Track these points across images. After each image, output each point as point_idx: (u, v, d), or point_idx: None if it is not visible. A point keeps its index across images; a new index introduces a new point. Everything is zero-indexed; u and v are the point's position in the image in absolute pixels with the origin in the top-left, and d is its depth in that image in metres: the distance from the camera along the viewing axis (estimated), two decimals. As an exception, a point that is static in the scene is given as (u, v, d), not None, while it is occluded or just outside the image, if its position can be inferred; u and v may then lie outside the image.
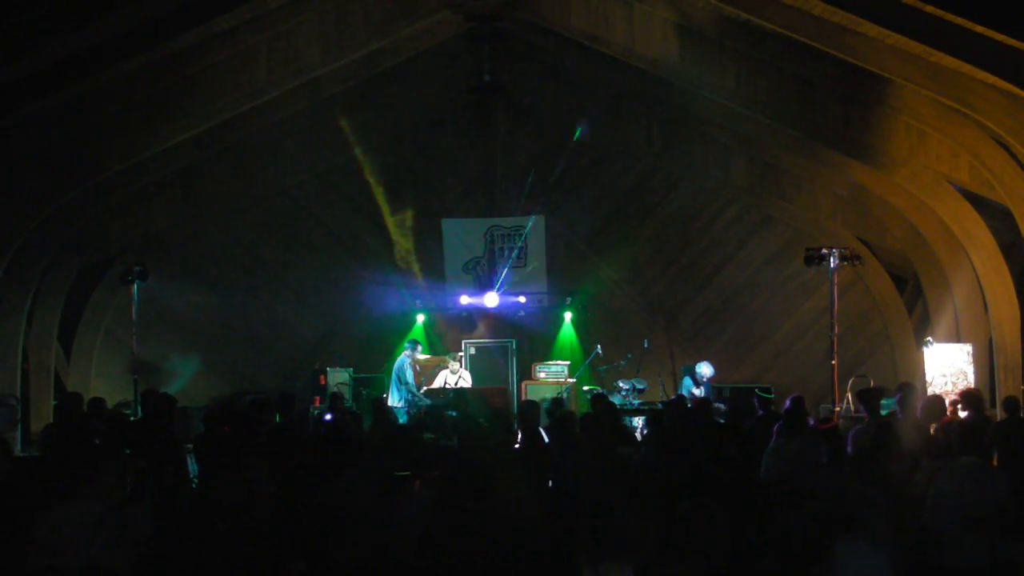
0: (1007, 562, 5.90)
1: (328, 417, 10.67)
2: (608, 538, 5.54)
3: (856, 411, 13.21)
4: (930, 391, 12.93)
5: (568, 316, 16.15)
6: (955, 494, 6.05)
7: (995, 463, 8.12)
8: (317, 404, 14.39)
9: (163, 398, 9.80)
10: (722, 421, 9.72)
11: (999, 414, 12.14)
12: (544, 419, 10.18)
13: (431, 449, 7.69)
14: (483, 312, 16.13)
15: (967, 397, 9.13)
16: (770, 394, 11.28)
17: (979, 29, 9.11)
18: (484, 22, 13.24)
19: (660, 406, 12.98)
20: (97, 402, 10.34)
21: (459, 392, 13.53)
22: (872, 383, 13.47)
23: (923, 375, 13.41)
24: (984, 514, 5.96)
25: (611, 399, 12.12)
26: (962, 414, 9.13)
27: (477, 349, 15.97)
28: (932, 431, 8.37)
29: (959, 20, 9.17)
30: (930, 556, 6.07)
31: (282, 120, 14.94)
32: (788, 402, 8.88)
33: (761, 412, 9.51)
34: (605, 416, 9.00)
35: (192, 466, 8.95)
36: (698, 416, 9.11)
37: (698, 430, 8.35)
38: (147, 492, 6.37)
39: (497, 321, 16.29)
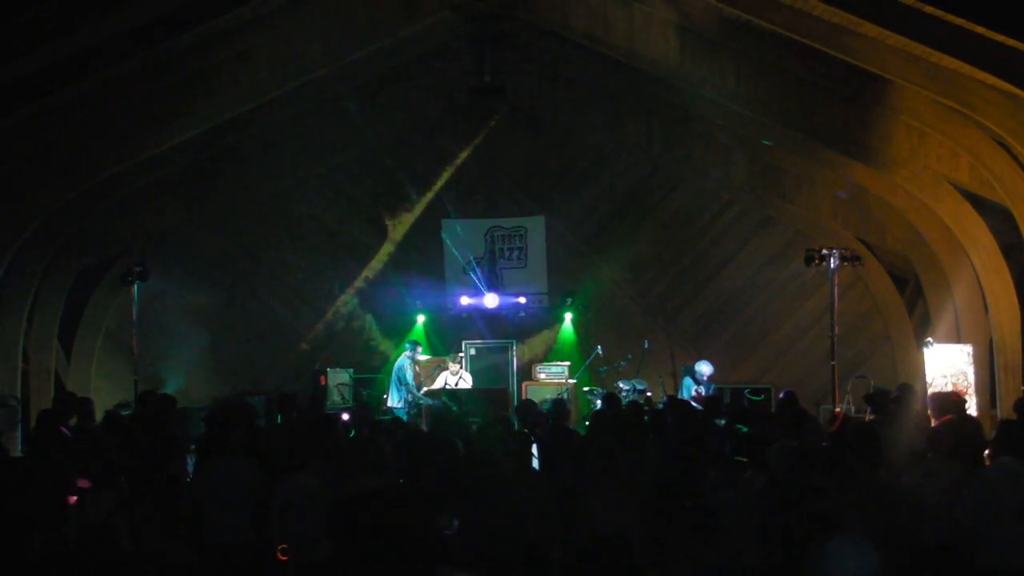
0: None
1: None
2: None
3: (858, 412, 13.22)
4: (931, 392, 12.93)
5: (568, 316, 16.15)
6: (993, 494, 6.03)
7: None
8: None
9: (162, 398, 9.81)
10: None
11: (999, 414, 12.16)
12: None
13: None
14: (483, 312, 16.13)
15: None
16: (760, 396, 11.14)
17: (979, 29, 9.10)
18: (484, 22, 13.23)
19: (660, 407, 12.98)
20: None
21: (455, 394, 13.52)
22: (872, 383, 13.46)
23: (923, 376, 13.39)
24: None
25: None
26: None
27: (477, 349, 15.96)
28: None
29: (959, 20, 9.16)
30: (964, 557, 6.06)
31: (282, 120, 14.95)
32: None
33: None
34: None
35: (191, 466, 8.94)
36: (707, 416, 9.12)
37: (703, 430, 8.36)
38: (144, 492, 6.38)
39: (497, 321, 16.28)
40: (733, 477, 6.50)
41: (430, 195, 16.54)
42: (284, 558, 6.08)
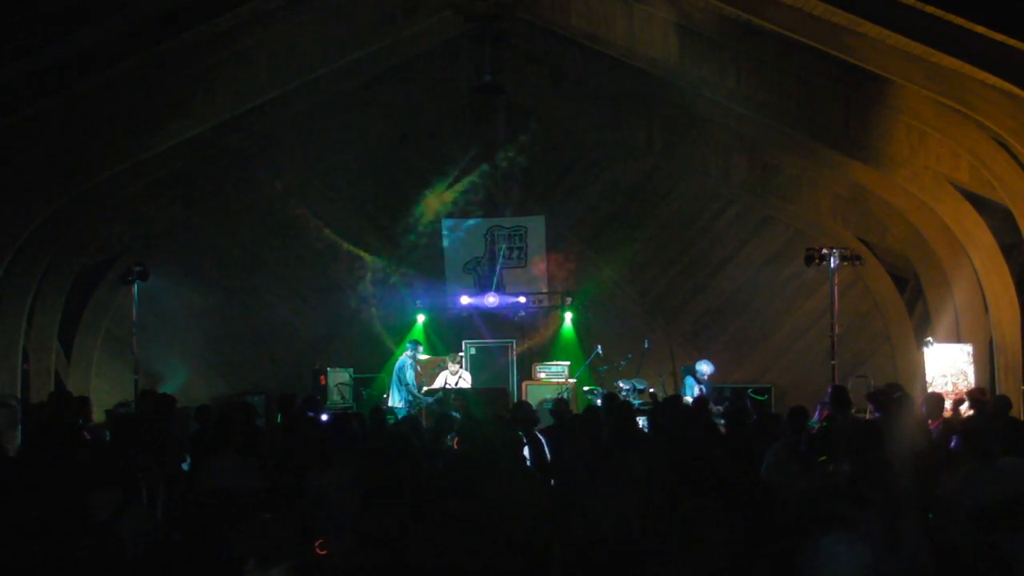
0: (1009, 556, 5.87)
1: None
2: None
3: (859, 411, 13.22)
4: (930, 391, 12.93)
5: (568, 316, 16.15)
6: (1000, 493, 6.05)
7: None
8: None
9: (162, 398, 9.81)
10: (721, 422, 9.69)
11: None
12: (547, 419, 10.18)
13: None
14: (483, 312, 16.13)
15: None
16: (764, 396, 11.09)
17: (979, 29, 9.10)
18: (484, 22, 13.23)
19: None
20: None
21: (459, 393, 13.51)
22: (872, 383, 13.45)
23: (923, 375, 13.39)
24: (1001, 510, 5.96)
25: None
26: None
27: (477, 349, 15.98)
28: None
29: (959, 20, 9.16)
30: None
31: (282, 120, 14.94)
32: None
33: (755, 418, 9.44)
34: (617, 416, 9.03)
35: (186, 465, 8.95)
36: (697, 415, 9.10)
37: (696, 429, 8.36)
38: (143, 492, 6.38)
39: (497, 321, 16.28)
40: (814, 468, 6.53)
41: (430, 195, 16.55)
42: (324, 552, 6.09)
